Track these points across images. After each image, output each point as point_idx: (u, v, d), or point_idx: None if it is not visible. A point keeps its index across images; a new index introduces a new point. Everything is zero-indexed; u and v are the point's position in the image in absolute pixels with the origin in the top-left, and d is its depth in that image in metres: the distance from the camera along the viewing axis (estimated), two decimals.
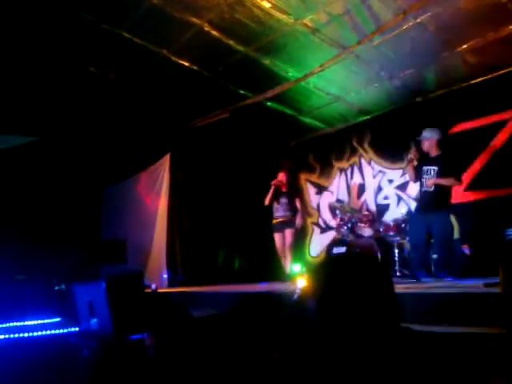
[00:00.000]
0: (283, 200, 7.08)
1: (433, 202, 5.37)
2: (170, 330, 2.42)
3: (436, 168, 5.39)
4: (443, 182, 5.35)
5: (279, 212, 7.08)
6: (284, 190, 7.12)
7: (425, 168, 5.50)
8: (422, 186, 5.54)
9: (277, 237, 7.12)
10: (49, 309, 5.54)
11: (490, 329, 2.33)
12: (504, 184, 6.22)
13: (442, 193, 5.40)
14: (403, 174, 7.36)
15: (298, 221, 7.07)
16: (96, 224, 9.14)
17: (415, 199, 6.12)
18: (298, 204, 7.20)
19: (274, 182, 7.07)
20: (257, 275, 7.56)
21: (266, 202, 7.09)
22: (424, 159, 5.59)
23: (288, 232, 7.00)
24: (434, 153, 5.53)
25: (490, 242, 5.86)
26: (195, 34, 5.39)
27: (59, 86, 6.35)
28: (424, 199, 5.53)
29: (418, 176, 5.58)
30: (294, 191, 7.41)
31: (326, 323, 1.42)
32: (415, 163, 5.63)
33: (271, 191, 7.04)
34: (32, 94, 6.44)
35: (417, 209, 5.80)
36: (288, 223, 7.03)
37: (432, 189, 5.37)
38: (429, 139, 5.53)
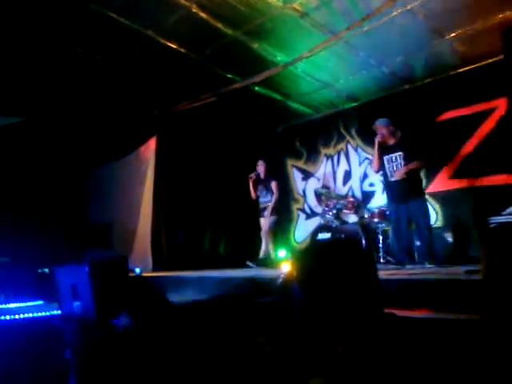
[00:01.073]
0: (261, 187, 7.40)
1: (408, 192, 5.38)
2: (148, 314, 2.41)
3: (401, 153, 5.42)
4: (413, 166, 5.36)
5: (262, 197, 7.41)
6: (263, 177, 7.39)
7: (387, 157, 5.52)
8: (388, 176, 5.53)
9: (261, 221, 7.44)
10: (32, 291, 5.50)
11: (470, 315, 2.36)
12: (488, 172, 6.28)
13: (415, 180, 5.46)
14: None
15: (272, 212, 7.24)
16: (82, 207, 9.06)
17: (385, 191, 6.00)
18: (274, 188, 7.32)
19: (251, 176, 7.34)
20: (243, 260, 7.56)
21: (253, 196, 7.49)
22: (383, 149, 5.58)
23: (268, 218, 7.25)
24: (391, 141, 5.59)
25: (473, 230, 5.94)
26: (183, 16, 5.30)
27: (45, 66, 6.23)
28: (397, 189, 5.47)
29: (381, 165, 5.57)
30: (273, 176, 7.56)
31: (310, 308, 1.42)
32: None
33: (251, 185, 7.40)
34: (18, 73, 6.31)
35: (392, 199, 5.64)
36: (267, 209, 7.30)
37: (401, 177, 5.35)
38: (387, 126, 5.59)
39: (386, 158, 5.56)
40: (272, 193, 7.24)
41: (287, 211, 9.18)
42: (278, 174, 8.94)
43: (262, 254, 7.23)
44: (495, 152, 6.12)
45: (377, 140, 5.61)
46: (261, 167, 7.43)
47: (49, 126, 7.79)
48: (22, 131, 7.51)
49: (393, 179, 5.48)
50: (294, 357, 1.47)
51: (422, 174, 6.04)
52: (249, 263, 7.11)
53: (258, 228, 7.54)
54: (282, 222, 8.97)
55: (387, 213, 6.28)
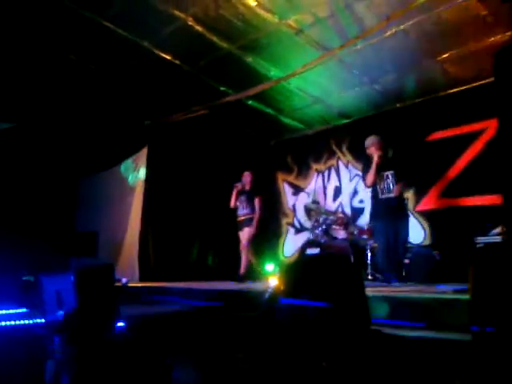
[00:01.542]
0: (243, 198, 7.07)
1: (397, 209, 5.47)
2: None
3: (393, 172, 5.49)
4: (406, 185, 5.57)
5: (239, 210, 7.09)
6: (247, 188, 7.10)
7: (381, 173, 5.56)
8: (379, 192, 5.57)
9: (240, 235, 7.08)
10: (15, 299, 5.41)
11: (458, 334, 2.36)
12: (476, 192, 6.34)
13: (403, 199, 5.62)
14: None
15: (253, 226, 6.94)
16: (69, 215, 8.98)
17: (372, 208, 5.97)
18: (256, 204, 7.02)
19: (236, 185, 7.08)
20: (230, 272, 7.51)
21: (231, 204, 7.14)
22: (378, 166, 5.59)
23: (246, 231, 6.94)
24: (384, 159, 5.63)
25: (460, 249, 5.97)
26: (178, 28, 5.34)
27: (37, 72, 6.21)
28: (388, 206, 5.51)
29: (375, 181, 5.60)
30: (257, 191, 7.22)
31: (295, 321, 1.42)
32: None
33: (234, 193, 7.08)
34: (7, 78, 6.27)
35: (381, 215, 5.63)
36: (247, 222, 6.97)
37: (394, 195, 5.42)
38: (376, 141, 5.64)
39: (380, 173, 5.59)
40: (253, 206, 7.00)
41: (276, 225, 9.17)
42: (267, 188, 8.94)
43: (242, 269, 6.88)
44: (483, 173, 6.18)
45: (376, 156, 5.59)
46: (247, 178, 7.15)
47: (39, 133, 7.73)
48: (11, 137, 7.45)
49: (384, 196, 5.51)
50: (271, 374, 1.45)
51: (411, 193, 6.09)
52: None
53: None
54: (270, 237, 8.97)
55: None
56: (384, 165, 5.59)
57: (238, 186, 7.04)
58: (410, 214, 5.71)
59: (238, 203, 7.10)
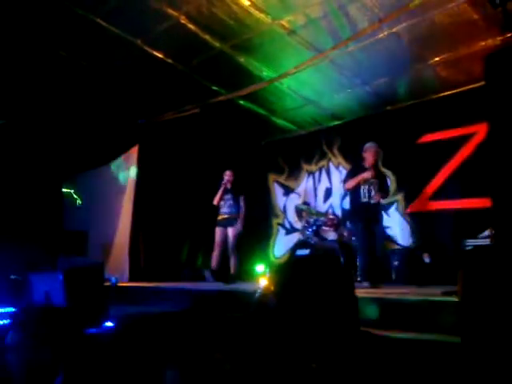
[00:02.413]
0: (228, 197, 6.96)
1: (376, 215, 5.67)
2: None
3: (377, 180, 5.65)
4: (384, 195, 5.80)
5: (224, 208, 6.94)
6: (229, 187, 6.97)
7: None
8: (361, 197, 5.68)
9: (218, 231, 6.92)
10: (3, 298, 5.36)
11: (445, 336, 2.37)
12: (466, 195, 6.39)
13: (380, 205, 5.82)
14: None
15: (239, 225, 6.86)
16: (57, 213, 8.89)
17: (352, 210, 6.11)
18: (242, 203, 6.97)
19: (224, 182, 6.96)
20: (220, 273, 7.50)
21: (215, 201, 6.98)
22: (362, 171, 5.73)
23: (231, 231, 6.82)
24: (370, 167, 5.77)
25: (449, 252, 6.01)
26: (171, 26, 5.31)
27: (27, 68, 6.13)
28: (369, 210, 5.66)
29: (357, 186, 5.74)
30: (241, 190, 7.13)
31: (285, 322, 1.41)
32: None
33: (221, 191, 6.94)
34: None
35: (363, 219, 5.74)
36: (231, 221, 6.86)
37: (375, 201, 5.60)
38: (375, 150, 5.76)
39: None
40: (239, 206, 6.92)
41: (267, 226, 9.17)
42: (258, 188, 8.94)
43: (214, 264, 6.78)
44: (473, 176, 6.22)
45: (367, 165, 5.72)
46: (228, 177, 7.00)
47: (27, 130, 7.65)
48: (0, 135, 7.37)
49: (365, 200, 5.64)
50: (259, 376, 1.44)
51: (401, 195, 6.16)
52: (206, 274, 6.85)
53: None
54: (260, 237, 8.97)
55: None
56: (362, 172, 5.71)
57: (227, 183, 6.93)
58: (400, 216, 5.77)
59: (222, 202, 6.96)
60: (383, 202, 6.14)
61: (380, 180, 5.72)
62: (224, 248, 6.83)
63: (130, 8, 5.00)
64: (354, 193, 5.78)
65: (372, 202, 5.58)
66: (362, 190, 5.66)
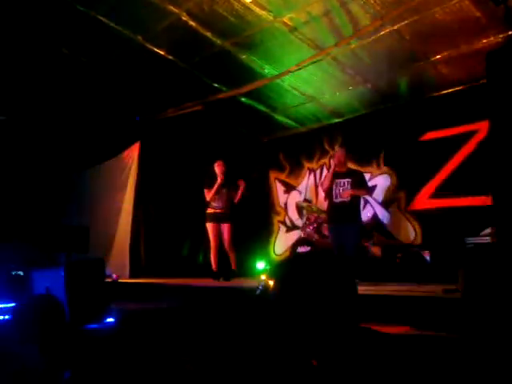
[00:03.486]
0: (224, 191, 6.72)
1: (346, 215, 5.82)
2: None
3: (350, 180, 5.85)
4: (359, 192, 5.92)
5: (216, 202, 6.68)
6: (220, 180, 6.65)
7: (338, 181, 5.92)
8: (334, 197, 5.92)
9: (211, 227, 6.67)
10: (5, 294, 5.38)
11: (448, 333, 2.37)
12: (468, 193, 6.38)
13: (356, 205, 5.96)
14: (371, 179, 7.45)
15: (229, 222, 6.67)
16: (60, 209, 8.92)
17: (327, 211, 6.32)
18: (235, 195, 6.76)
19: (221, 178, 6.66)
20: (221, 270, 7.51)
21: (209, 197, 6.68)
22: (335, 174, 5.96)
23: (225, 227, 6.63)
24: (343, 168, 6.01)
25: (450, 250, 6.00)
26: (172, 23, 5.32)
27: (28, 64, 6.15)
28: (338, 211, 5.89)
29: (330, 187, 5.94)
30: (232, 184, 6.82)
31: (286, 318, 1.41)
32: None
33: (217, 186, 6.62)
34: None
35: (335, 219, 6.01)
36: (224, 216, 6.68)
37: (347, 200, 5.78)
38: (346, 154, 6.05)
39: (337, 180, 5.93)
40: (230, 200, 6.74)
41: (268, 223, 9.17)
42: (259, 186, 8.93)
43: (215, 266, 6.62)
44: (475, 174, 6.21)
45: (334, 163, 6.07)
46: (220, 167, 6.72)
47: (30, 126, 7.67)
48: (2, 130, 7.38)
49: (337, 200, 5.86)
50: (260, 372, 1.45)
51: (403, 193, 6.19)
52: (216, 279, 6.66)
53: (236, 238, 6.85)
54: (261, 234, 8.97)
55: (367, 228, 6.40)
56: (341, 174, 5.94)
57: (221, 176, 6.63)
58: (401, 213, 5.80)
59: (216, 196, 6.67)
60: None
61: (353, 178, 5.87)
62: (219, 244, 6.68)
63: (132, 5, 5.01)
64: (329, 194, 5.99)
65: (341, 200, 5.77)
66: (334, 191, 5.91)
